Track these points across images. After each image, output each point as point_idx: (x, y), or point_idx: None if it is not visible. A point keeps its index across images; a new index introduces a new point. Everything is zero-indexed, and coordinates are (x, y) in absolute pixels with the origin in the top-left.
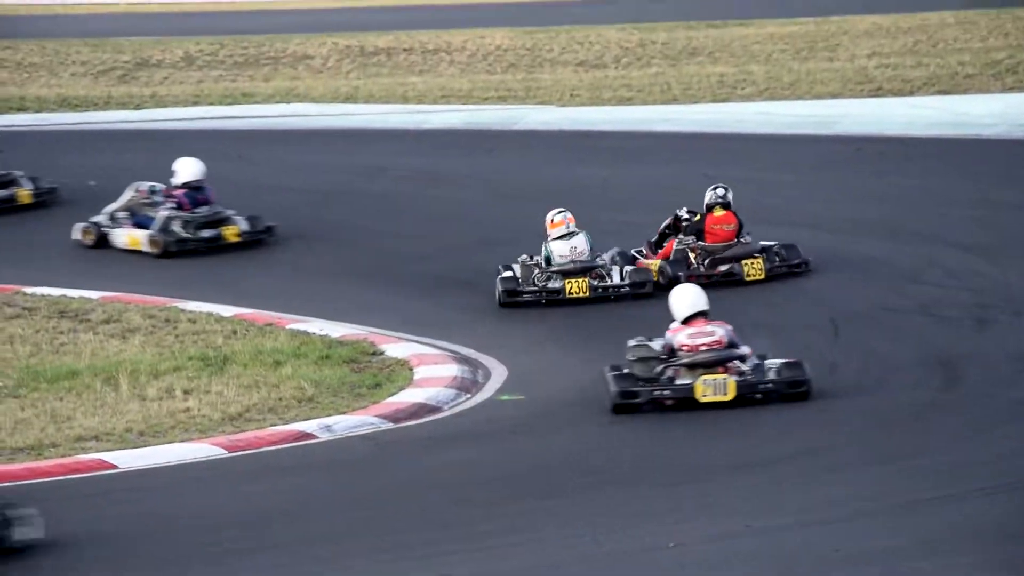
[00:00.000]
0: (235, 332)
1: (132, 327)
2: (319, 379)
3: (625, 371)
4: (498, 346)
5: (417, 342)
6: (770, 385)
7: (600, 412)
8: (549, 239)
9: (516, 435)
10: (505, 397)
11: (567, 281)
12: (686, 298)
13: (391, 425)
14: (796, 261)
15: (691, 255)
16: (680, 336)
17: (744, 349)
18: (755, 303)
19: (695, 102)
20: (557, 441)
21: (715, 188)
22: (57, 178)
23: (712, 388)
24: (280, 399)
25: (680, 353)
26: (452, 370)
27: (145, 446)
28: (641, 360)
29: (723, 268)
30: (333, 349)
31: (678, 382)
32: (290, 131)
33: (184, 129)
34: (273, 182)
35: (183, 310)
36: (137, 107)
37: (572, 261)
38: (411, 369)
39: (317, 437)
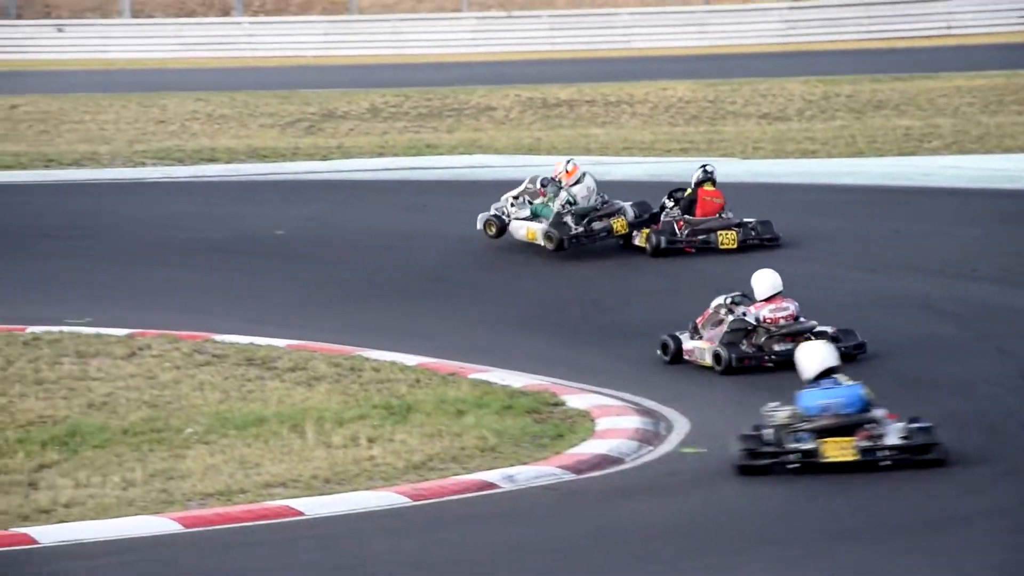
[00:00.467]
0: (418, 381)
1: (318, 375)
2: (501, 429)
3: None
4: (679, 398)
5: (598, 393)
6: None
7: (781, 468)
8: (567, 185)
9: (699, 489)
10: (687, 450)
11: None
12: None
13: (573, 476)
14: (768, 236)
15: (676, 227)
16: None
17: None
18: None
19: (881, 155)
20: (739, 496)
21: (704, 167)
22: (247, 227)
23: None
24: (463, 448)
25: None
26: (634, 422)
27: (331, 493)
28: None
29: (701, 237)
30: (515, 399)
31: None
32: (473, 182)
33: (369, 179)
34: (454, 232)
35: (367, 359)
36: (324, 158)
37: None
38: (592, 420)
39: (500, 487)
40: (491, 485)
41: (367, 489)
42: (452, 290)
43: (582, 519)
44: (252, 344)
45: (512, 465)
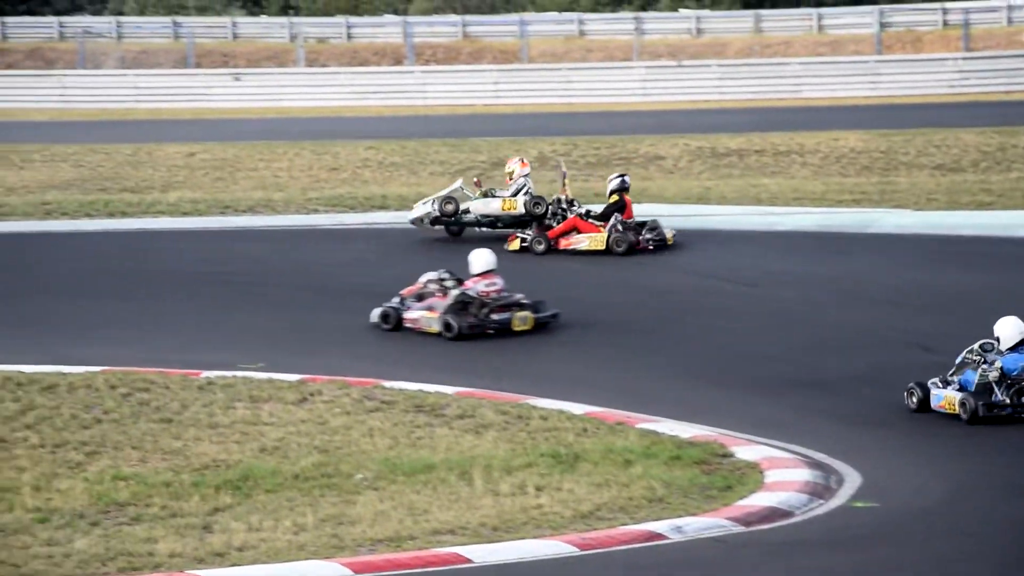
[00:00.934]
0: (585, 430)
1: (485, 423)
2: (669, 479)
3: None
4: (849, 451)
5: (767, 445)
6: None
7: (956, 522)
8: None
9: (872, 544)
10: (859, 504)
11: None
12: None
13: (742, 528)
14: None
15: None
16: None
17: None
18: None
19: None
20: (912, 552)
21: (621, 176)
22: (417, 273)
23: None
24: (630, 498)
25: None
26: (804, 474)
27: (499, 541)
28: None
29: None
30: (683, 450)
31: None
32: None
33: None
34: (625, 279)
35: (535, 407)
36: None
37: None
38: (762, 472)
39: (668, 538)
40: (659, 536)
41: (535, 538)
42: (620, 339)
43: (752, 573)
44: (421, 391)
45: (680, 516)
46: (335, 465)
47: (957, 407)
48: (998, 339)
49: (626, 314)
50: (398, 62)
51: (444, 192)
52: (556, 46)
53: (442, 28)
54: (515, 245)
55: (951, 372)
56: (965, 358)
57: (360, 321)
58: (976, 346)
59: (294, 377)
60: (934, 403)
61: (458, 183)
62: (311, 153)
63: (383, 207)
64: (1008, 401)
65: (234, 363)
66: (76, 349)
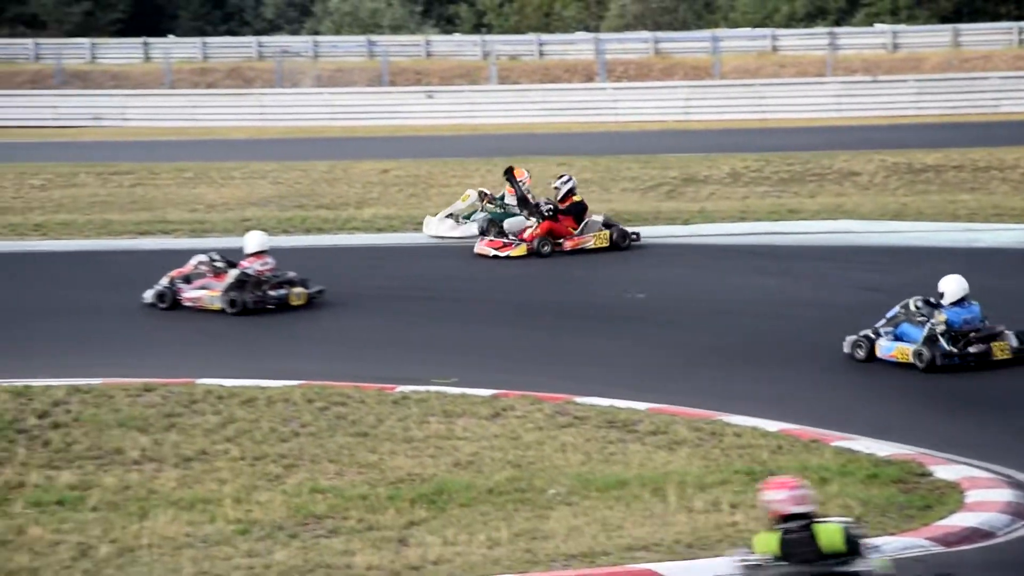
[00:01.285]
0: (780, 447)
1: (678, 439)
2: (866, 498)
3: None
4: None
5: (966, 464)
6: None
7: None
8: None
9: None
10: None
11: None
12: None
13: (942, 549)
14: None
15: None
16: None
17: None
18: None
19: None
20: None
21: (568, 179)
22: (609, 290)
23: None
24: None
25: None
26: (1006, 495)
27: (693, 558)
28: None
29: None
30: (880, 468)
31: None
32: (837, 248)
33: (730, 244)
34: (816, 297)
35: (728, 423)
36: (685, 222)
37: None
38: (962, 492)
39: None
40: None
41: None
42: (814, 356)
43: None
44: (613, 407)
45: (878, 535)
46: (528, 480)
47: (912, 357)
48: (942, 295)
49: (821, 333)
50: (589, 79)
51: (459, 206)
52: (748, 62)
53: (634, 44)
54: (522, 251)
55: (881, 324)
56: (900, 312)
57: (551, 337)
58: (911, 302)
59: (487, 392)
60: (883, 353)
61: (473, 197)
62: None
63: None
64: (955, 351)
65: (428, 378)
66: (273, 363)
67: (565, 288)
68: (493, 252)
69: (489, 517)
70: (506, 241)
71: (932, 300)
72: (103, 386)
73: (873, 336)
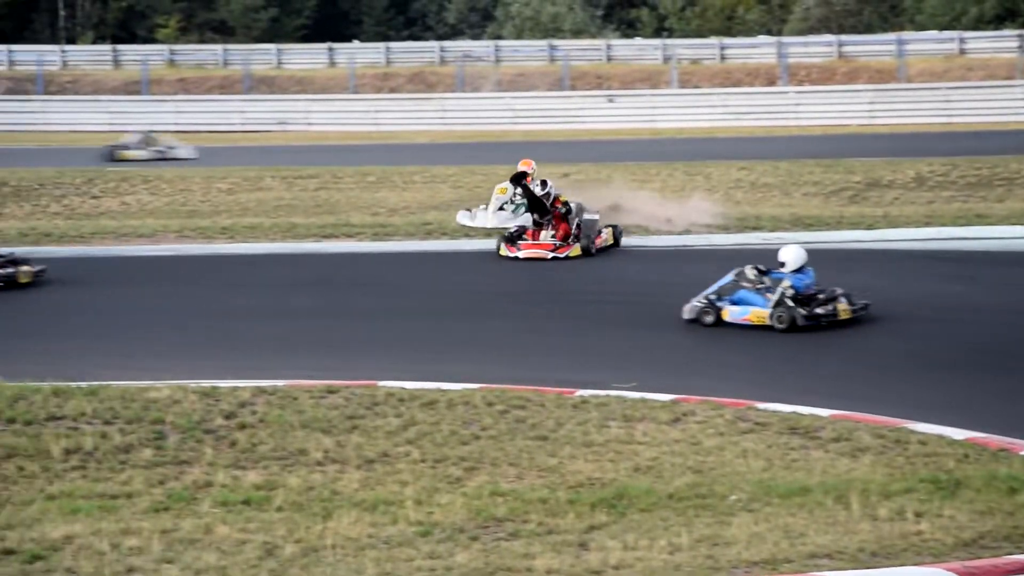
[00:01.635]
0: (966, 456)
1: (862, 446)
2: None
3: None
4: None
5: None
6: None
7: None
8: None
9: None
10: None
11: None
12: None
13: None
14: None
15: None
16: None
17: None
18: None
19: None
20: None
21: (545, 180)
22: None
23: None
24: (1015, 527)
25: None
26: None
27: (877, 567)
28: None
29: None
30: None
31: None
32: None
33: (915, 249)
34: (1005, 303)
35: (913, 431)
36: (869, 227)
37: None
38: None
39: None
40: None
41: (915, 564)
42: (1001, 363)
43: None
44: (795, 413)
45: None
46: (709, 486)
47: (769, 319)
48: (783, 263)
49: (993, 338)
50: (771, 83)
51: (497, 203)
52: (935, 65)
53: (817, 48)
54: (576, 251)
55: (712, 292)
56: (733, 281)
57: (732, 343)
58: (746, 270)
59: (667, 397)
60: (735, 318)
61: (510, 189)
62: (683, 174)
63: (756, 228)
64: (804, 312)
65: (607, 382)
66: (452, 366)
67: None
68: (551, 255)
69: (669, 522)
70: (559, 243)
71: (763, 268)
72: (287, 388)
73: (716, 301)
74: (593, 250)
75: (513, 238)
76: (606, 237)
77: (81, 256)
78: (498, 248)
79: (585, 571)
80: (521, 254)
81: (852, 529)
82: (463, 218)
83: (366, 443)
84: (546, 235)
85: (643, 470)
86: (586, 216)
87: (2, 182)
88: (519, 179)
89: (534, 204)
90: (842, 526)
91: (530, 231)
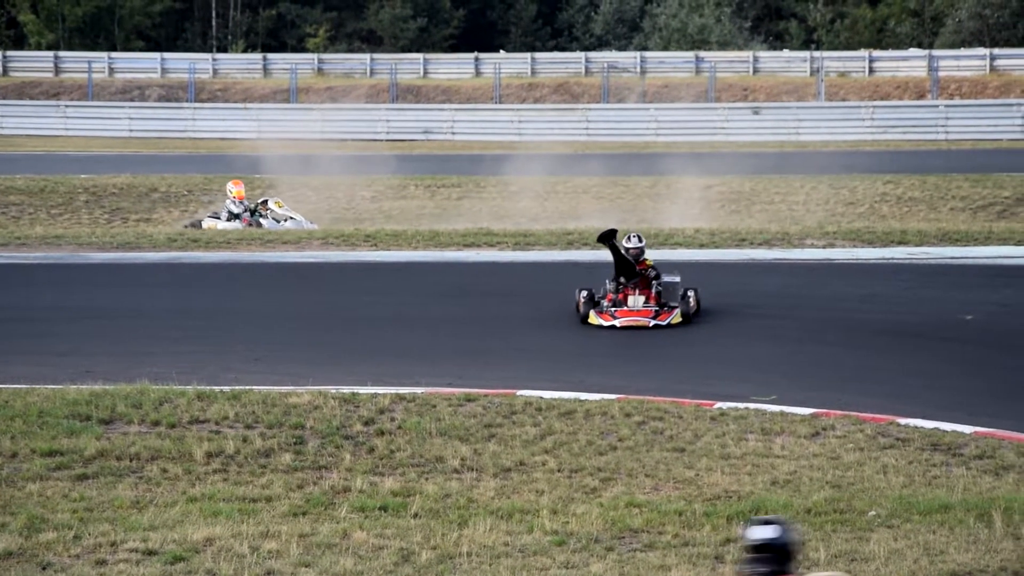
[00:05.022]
0: None
1: (1006, 464)
2: None
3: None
4: None
5: None
6: None
7: None
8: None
9: None
10: None
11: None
12: None
13: None
14: None
15: None
16: None
17: None
18: None
19: None
20: None
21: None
22: (936, 311)
23: None
24: None
25: None
26: None
27: None
28: None
29: None
30: None
31: None
32: None
33: None
34: None
35: None
36: (1018, 243)
37: None
38: None
39: None
40: None
41: None
42: None
43: None
44: (937, 429)
45: None
46: (848, 501)
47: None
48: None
49: None
50: (920, 96)
51: None
52: None
53: (969, 61)
54: (678, 318)
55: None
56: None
57: (876, 357)
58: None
59: (807, 411)
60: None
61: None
62: (828, 187)
63: (902, 242)
64: None
65: (747, 395)
66: (591, 376)
67: (889, 307)
68: (653, 322)
69: (807, 537)
70: (658, 309)
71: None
72: (426, 395)
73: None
74: (691, 315)
75: (602, 304)
76: (693, 303)
77: (226, 262)
78: (585, 317)
79: None
80: (618, 323)
81: (994, 548)
82: None
83: (503, 451)
84: (636, 300)
85: (781, 484)
86: (666, 279)
87: (152, 188)
88: (609, 237)
89: (622, 267)
90: (984, 544)
91: (610, 295)
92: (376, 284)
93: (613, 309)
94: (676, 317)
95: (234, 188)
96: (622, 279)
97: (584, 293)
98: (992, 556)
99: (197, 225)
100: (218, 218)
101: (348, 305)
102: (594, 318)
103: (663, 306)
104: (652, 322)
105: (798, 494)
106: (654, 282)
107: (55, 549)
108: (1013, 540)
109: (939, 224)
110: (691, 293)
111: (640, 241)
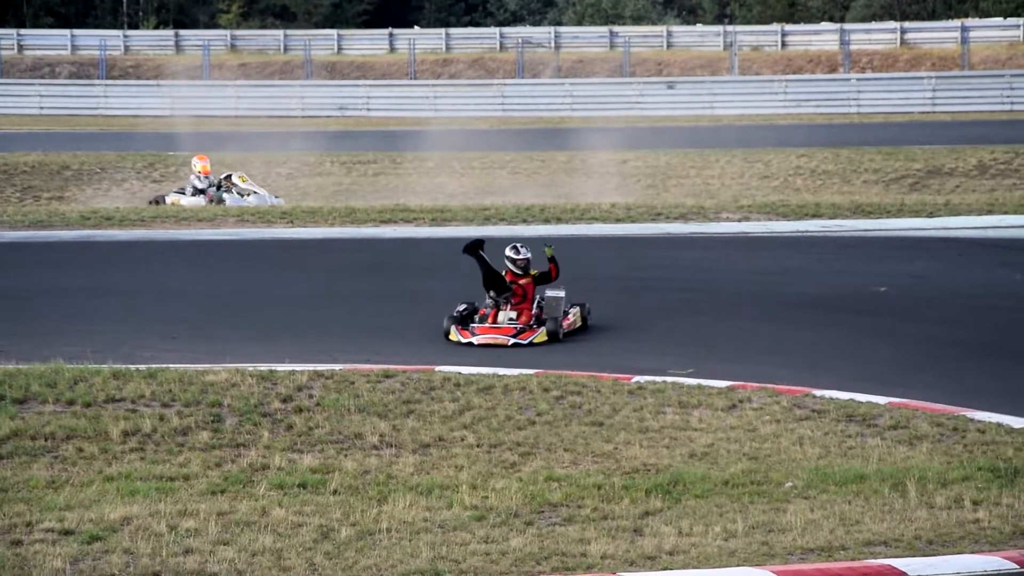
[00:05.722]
0: None
1: (919, 434)
2: None
3: None
4: None
5: None
6: None
7: None
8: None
9: None
10: None
11: None
12: None
13: None
14: None
15: None
16: None
17: None
18: None
19: None
20: None
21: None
22: (849, 283)
23: None
24: None
25: None
26: None
27: (933, 555)
28: None
29: None
30: None
31: None
32: None
33: (976, 237)
34: None
35: (971, 419)
36: (929, 215)
37: None
38: None
39: None
40: None
41: (972, 552)
42: None
43: None
44: (852, 400)
45: None
46: (765, 472)
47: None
48: None
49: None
50: (833, 69)
51: None
52: (999, 52)
53: (879, 35)
54: (542, 336)
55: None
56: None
57: (790, 329)
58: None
59: (723, 384)
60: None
61: None
62: (743, 161)
63: (816, 215)
64: None
65: (664, 369)
66: (507, 351)
67: (804, 280)
68: (512, 340)
69: (725, 509)
70: (523, 327)
71: None
72: (344, 372)
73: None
74: (561, 334)
75: (464, 319)
76: (574, 319)
77: (141, 240)
78: (446, 332)
79: (639, 556)
80: (476, 340)
81: (909, 517)
82: None
83: (422, 428)
84: (504, 316)
85: (698, 456)
86: (550, 293)
87: (64, 166)
88: (475, 248)
89: (490, 279)
90: (899, 514)
91: (483, 309)
92: (293, 261)
93: (474, 326)
94: (540, 336)
95: (199, 163)
96: (492, 293)
97: (463, 307)
98: (907, 525)
99: (161, 200)
100: (183, 193)
101: (264, 282)
102: (454, 334)
103: (540, 323)
104: (512, 341)
105: (715, 466)
106: (537, 297)
107: None
108: (927, 509)
109: (852, 197)
110: (574, 310)
111: (526, 252)
